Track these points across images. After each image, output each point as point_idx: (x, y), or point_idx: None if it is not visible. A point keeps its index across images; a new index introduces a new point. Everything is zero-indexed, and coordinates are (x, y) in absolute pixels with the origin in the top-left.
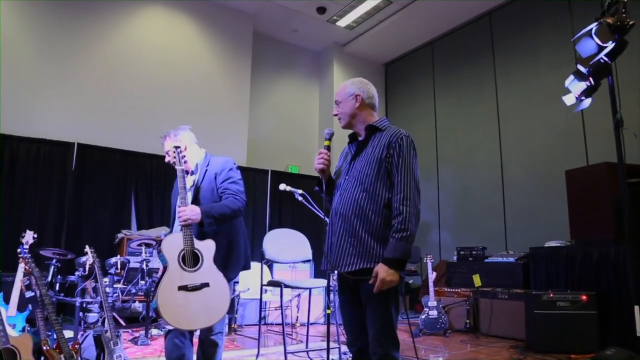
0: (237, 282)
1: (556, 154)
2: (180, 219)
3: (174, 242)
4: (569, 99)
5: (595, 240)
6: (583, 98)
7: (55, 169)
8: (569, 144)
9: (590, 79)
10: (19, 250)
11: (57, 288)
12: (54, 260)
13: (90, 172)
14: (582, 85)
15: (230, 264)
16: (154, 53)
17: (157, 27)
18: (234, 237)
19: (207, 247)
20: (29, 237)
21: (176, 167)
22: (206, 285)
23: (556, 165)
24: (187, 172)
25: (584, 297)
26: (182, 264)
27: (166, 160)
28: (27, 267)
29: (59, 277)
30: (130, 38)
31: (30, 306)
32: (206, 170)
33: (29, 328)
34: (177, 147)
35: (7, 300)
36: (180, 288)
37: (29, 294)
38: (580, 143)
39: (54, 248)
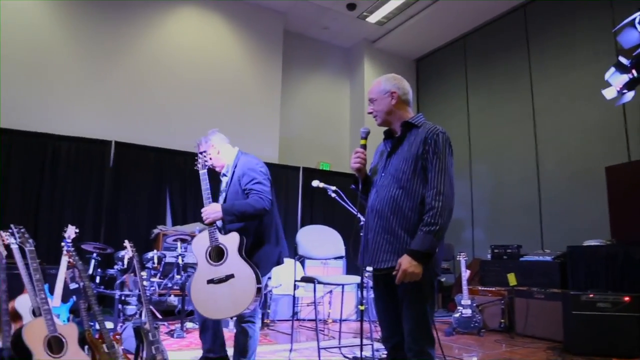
0: (270, 278)
1: (595, 150)
2: (205, 218)
3: (200, 241)
4: (609, 93)
5: (638, 239)
6: (625, 91)
7: (94, 166)
8: (608, 139)
9: (633, 71)
10: (62, 244)
11: (97, 281)
12: (95, 254)
13: (126, 169)
14: (624, 78)
15: (260, 261)
16: (188, 53)
17: (190, 27)
18: (262, 235)
19: (231, 240)
20: (71, 231)
21: (200, 171)
22: (231, 276)
23: (595, 162)
24: (221, 175)
25: (626, 299)
26: (209, 259)
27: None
28: (71, 260)
29: (98, 270)
30: (165, 38)
31: (74, 297)
32: (234, 172)
33: (72, 318)
34: (201, 153)
35: (51, 292)
36: (209, 282)
37: (73, 286)
38: (621, 138)
39: (94, 242)
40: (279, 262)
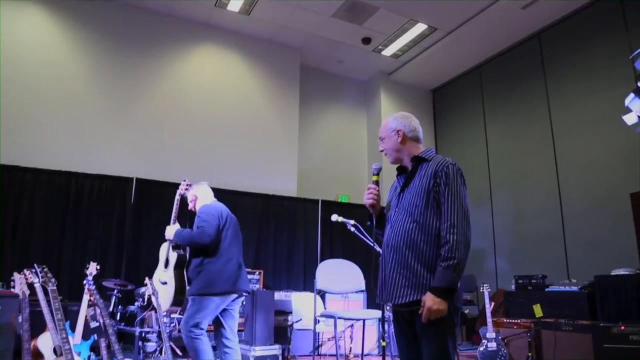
0: (291, 313)
1: (618, 176)
2: (166, 234)
3: (164, 249)
4: (630, 118)
5: None
6: None
7: (116, 203)
8: (632, 165)
9: None
10: (84, 282)
11: (117, 318)
12: (115, 291)
13: (147, 206)
14: None
15: (193, 280)
16: (207, 90)
17: (209, 66)
18: (205, 263)
19: (173, 257)
20: (92, 268)
21: (176, 196)
22: (165, 283)
23: (619, 188)
24: None
25: None
26: (163, 266)
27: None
28: (92, 299)
29: (119, 307)
30: (184, 77)
31: (94, 335)
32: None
33: (93, 356)
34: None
35: (72, 328)
36: (160, 282)
37: (93, 324)
38: None
39: (115, 279)
40: (229, 292)
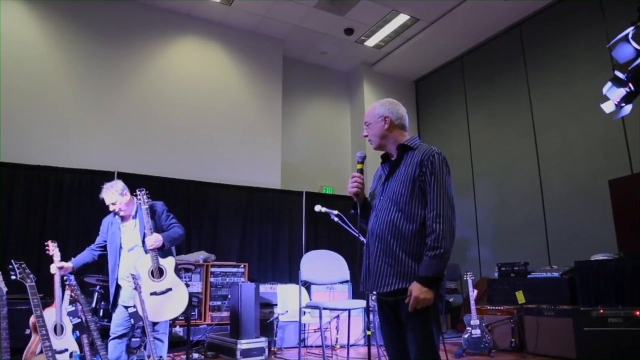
0: (276, 305)
1: (598, 164)
2: (150, 245)
3: (145, 262)
4: (608, 106)
5: None
6: (623, 105)
7: (97, 198)
8: (610, 152)
9: (630, 84)
10: (65, 277)
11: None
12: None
13: None
14: (621, 92)
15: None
16: (189, 82)
17: (190, 58)
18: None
19: (168, 263)
20: None
21: (142, 206)
22: (170, 289)
23: (598, 175)
24: (131, 217)
25: (637, 313)
26: (151, 276)
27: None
28: (73, 295)
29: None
30: (166, 69)
31: (76, 332)
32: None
33: (76, 353)
34: (140, 191)
35: None
36: (152, 294)
37: (75, 321)
38: (622, 151)
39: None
40: None
